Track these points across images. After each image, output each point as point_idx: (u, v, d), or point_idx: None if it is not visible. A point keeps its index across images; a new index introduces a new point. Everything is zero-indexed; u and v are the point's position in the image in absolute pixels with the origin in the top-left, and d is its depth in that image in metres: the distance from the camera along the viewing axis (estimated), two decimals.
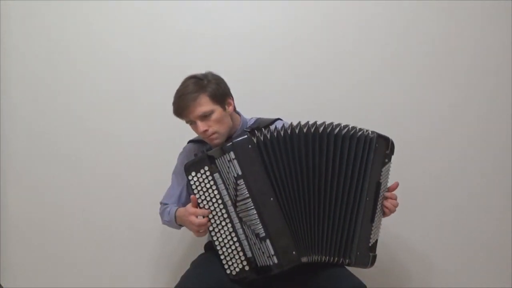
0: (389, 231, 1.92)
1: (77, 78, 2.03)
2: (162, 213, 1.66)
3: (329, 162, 1.43)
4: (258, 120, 1.66)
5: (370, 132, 1.48)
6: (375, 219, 1.49)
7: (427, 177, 2.05)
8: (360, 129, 1.48)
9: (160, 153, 1.97)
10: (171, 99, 1.53)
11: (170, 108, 1.53)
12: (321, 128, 1.43)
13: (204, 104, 1.49)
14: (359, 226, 1.46)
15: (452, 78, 2.05)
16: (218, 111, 1.51)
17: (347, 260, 1.45)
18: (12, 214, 2.03)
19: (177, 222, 1.58)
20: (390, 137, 1.54)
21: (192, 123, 1.54)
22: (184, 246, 2.02)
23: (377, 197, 1.49)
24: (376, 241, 1.52)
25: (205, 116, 1.50)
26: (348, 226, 1.45)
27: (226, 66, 1.94)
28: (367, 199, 1.47)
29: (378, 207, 1.50)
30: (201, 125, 1.51)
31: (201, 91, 1.50)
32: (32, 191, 2.03)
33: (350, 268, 1.47)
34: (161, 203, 1.70)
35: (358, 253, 1.46)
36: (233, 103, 1.59)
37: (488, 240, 2.06)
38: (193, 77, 1.55)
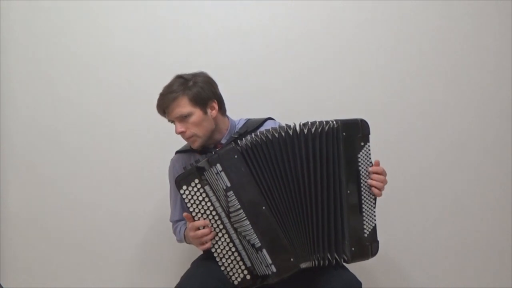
0: (387, 230, 1.91)
1: (77, 77, 2.01)
2: (174, 232, 1.72)
3: (303, 165, 1.42)
4: (247, 123, 1.63)
5: (335, 123, 1.44)
6: (364, 208, 1.45)
7: (426, 177, 2.05)
8: (327, 122, 1.44)
9: (162, 152, 1.96)
10: None
11: None
12: (291, 132, 1.42)
13: (183, 106, 1.49)
14: (347, 222, 1.43)
15: (453, 78, 2.05)
16: (197, 114, 1.51)
17: (342, 259, 1.44)
18: (12, 214, 2.03)
19: (187, 241, 1.62)
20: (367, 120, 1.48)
21: (173, 122, 1.55)
22: (185, 246, 2.01)
23: (359, 186, 1.45)
24: (374, 227, 1.47)
25: (183, 118, 1.50)
26: (334, 225, 1.43)
27: (225, 66, 1.96)
28: (348, 192, 1.44)
29: (364, 195, 1.46)
30: (179, 126, 1.52)
31: (182, 92, 1.49)
32: (33, 190, 2.03)
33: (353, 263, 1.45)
34: (171, 221, 1.73)
35: (353, 248, 1.43)
36: (217, 107, 1.55)
37: (488, 240, 2.06)
38: (180, 77, 1.54)
